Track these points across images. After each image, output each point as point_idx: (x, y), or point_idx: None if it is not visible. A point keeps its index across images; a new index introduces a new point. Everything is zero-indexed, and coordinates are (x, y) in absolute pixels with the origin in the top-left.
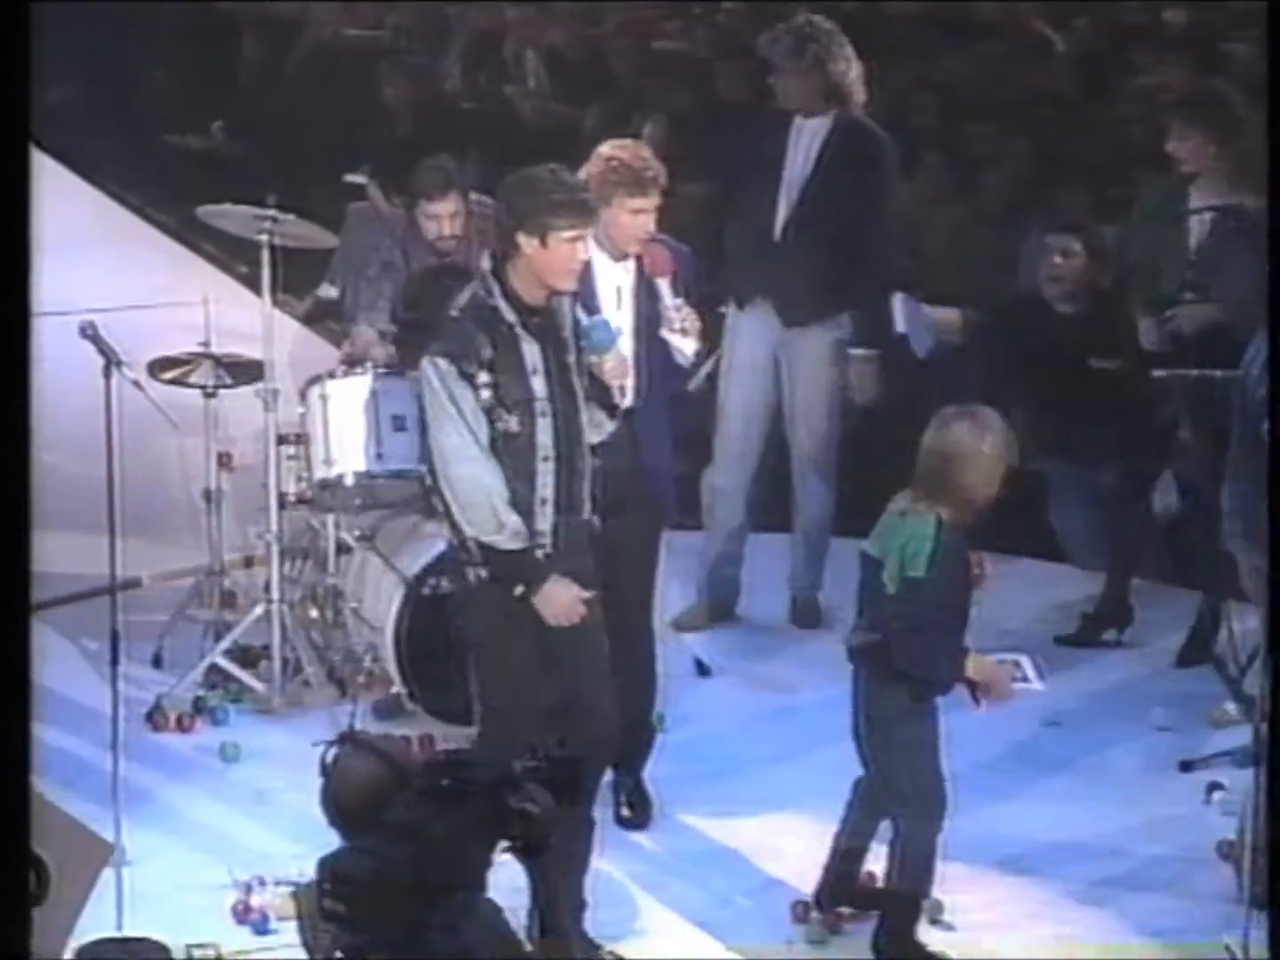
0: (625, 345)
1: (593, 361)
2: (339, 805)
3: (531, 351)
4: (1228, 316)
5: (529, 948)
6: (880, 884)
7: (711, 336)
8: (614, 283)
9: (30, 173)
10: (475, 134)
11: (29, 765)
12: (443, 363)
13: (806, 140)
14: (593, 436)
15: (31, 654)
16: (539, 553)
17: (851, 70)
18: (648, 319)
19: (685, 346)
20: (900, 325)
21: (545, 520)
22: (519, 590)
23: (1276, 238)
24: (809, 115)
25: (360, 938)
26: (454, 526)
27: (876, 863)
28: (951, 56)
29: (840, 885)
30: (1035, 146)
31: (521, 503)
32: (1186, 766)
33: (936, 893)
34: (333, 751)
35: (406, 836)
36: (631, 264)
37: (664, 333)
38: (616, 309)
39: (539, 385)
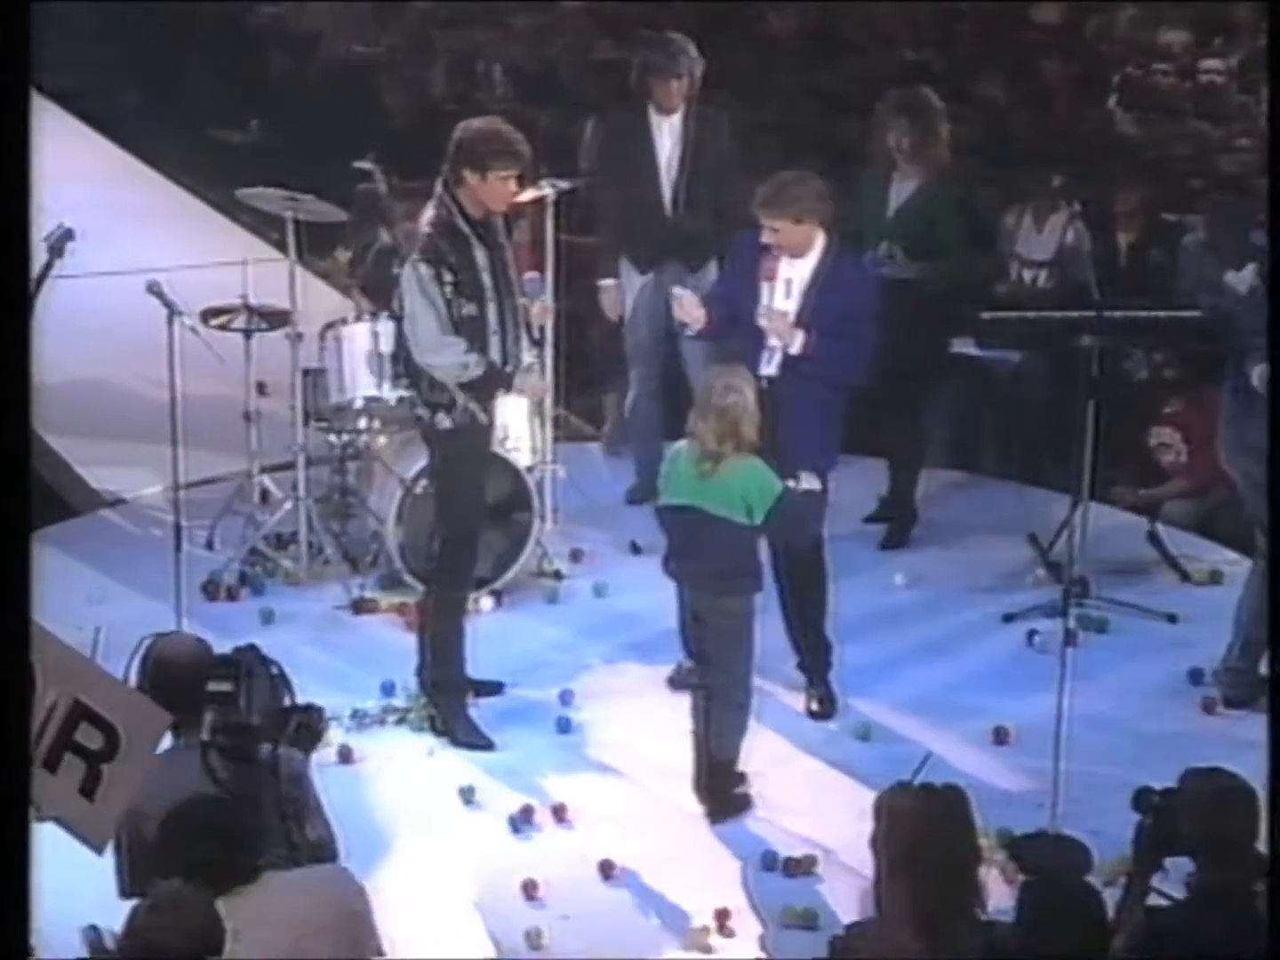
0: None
1: (525, 304)
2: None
3: (481, 255)
4: (918, 273)
5: None
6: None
7: None
8: None
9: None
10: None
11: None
12: (423, 267)
13: (668, 130)
14: (524, 358)
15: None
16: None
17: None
18: None
19: None
20: None
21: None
22: (500, 393)
23: (1277, 236)
24: (670, 112)
25: None
26: (433, 386)
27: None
28: (828, 68)
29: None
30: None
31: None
32: (1008, 619)
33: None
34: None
35: None
36: None
37: None
38: None
39: (487, 280)
